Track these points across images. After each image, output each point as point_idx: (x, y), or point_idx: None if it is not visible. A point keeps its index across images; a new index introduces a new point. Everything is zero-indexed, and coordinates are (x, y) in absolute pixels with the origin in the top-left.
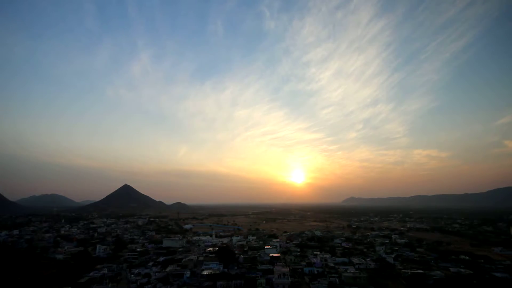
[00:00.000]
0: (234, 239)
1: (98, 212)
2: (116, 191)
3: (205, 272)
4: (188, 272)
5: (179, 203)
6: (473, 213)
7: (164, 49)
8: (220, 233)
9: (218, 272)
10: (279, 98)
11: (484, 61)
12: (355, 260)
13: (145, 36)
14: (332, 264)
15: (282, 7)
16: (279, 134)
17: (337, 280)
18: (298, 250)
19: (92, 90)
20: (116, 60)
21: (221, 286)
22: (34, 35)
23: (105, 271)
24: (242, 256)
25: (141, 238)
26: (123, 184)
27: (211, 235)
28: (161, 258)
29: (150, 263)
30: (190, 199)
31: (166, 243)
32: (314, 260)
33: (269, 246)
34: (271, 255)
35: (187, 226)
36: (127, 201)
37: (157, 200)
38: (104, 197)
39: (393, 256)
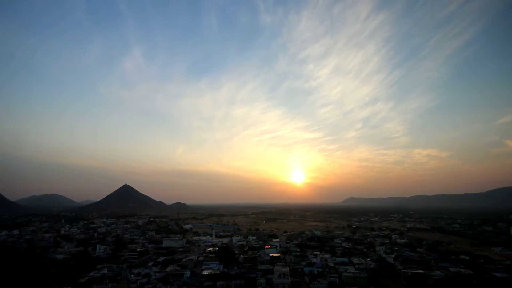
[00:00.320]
0: (234, 239)
1: (98, 212)
2: (116, 191)
3: (205, 272)
4: (188, 272)
5: (179, 203)
6: (473, 213)
7: (157, 44)
8: (220, 233)
9: (218, 272)
10: (277, 96)
11: (484, 59)
12: (355, 260)
13: (136, 30)
14: (332, 264)
15: (278, 0)
16: (278, 133)
17: (337, 280)
18: (298, 250)
19: (87, 88)
20: (109, 56)
21: (221, 286)
22: (21, 30)
23: (105, 271)
24: (242, 256)
25: (141, 238)
26: (123, 184)
27: (211, 235)
28: (161, 258)
29: (150, 263)
30: (190, 199)
31: (166, 243)
32: (314, 260)
33: (269, 246)
34: (271, 255)
35: (187, 226)
36: (127, 201)
37: (157, 200)
38: (104, 197)
39: (393, 256)
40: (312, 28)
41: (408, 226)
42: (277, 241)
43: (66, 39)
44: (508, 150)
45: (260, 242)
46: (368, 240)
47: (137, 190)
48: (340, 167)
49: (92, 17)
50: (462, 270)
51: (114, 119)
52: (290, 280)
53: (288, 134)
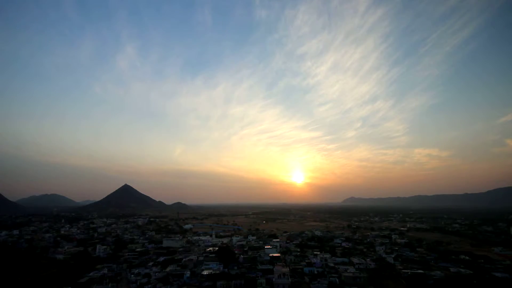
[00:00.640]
0: (234, 239)
1: (98, 212)
2: (116, 191)
3: (205, 272)
4: (188, 272)
5: (179, 203)
6: (473, 213)
7: (150, 41)
8: (220, 233)
9: (218, 272)
10: (274, 95)
11: (485, 56)
12: (355, 260)
13: (128, 27)
14: (332, 264)
15: None
16: (276, 133)
17: (337, 280)
18: (298, 250)
19: (82, 87)
20: (102, 53)
21: (221, 286)
22: (8, 26)
23: (105, 271)
24: (242, 256)
25: (141, 238)
26: (123, 184)
27: (211, 235)
28: (161, 258)
29: (150, 263)
30: (190, 199)
31: (166, 243)
32: (314, 260)
33: (269, 246)
34: (271, 255)
35: (187, 226)
36: (127, 201)
37: (157, 200)
38: (104, 197)
39: (393, 256)
40: (309, 23)
41: (408, 226)
42: (277, 241)
43: (57, 35)
44: (509, 149)
45: (260, 242)
46: (368, 240)
47: (137, 190)
48: (339, 167)
49: (82, 12)
50: (462, 270)
51: (112, 118)
52: (290, 280)
53: (287, 133)
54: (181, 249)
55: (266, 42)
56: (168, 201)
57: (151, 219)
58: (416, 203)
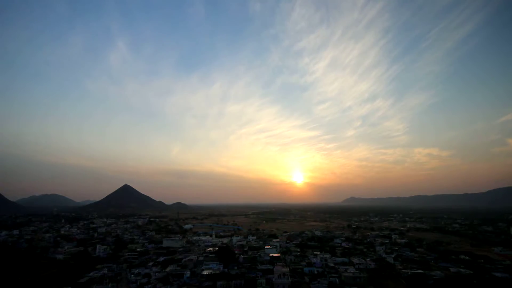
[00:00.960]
0: (234, 239)
1: (98, 212)
2: (116, 191)
3: (205, 272)
4: (188, 272)
5: (179, 203)
6: (473, 213)
7: (142, 35)
8: (220, 233)
9: (218, 272)
10: (272, 93)
11: (486, 54)
12: (355, 260)
13: (119, 20)
14: (332, 264)
15: None
16: (275, 132)
17: (337, 280)
18: (298, 250)
19: (75, 85)
20: (92, 49)
21: (221, 286)
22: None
23: (105, 271)
24: (242, 256)
25: (141, 238)
26: (123, 184)
27: (211, 235)
28: (161, 258)
29: (150, 263)
30: (190, 199)
31: (166, 243)
32: (314, 260)
33: (269, 246)
34: (271, 255)
35: (187, 226)
36: (127, 201)
37: (157, 200)
38: (104, 197)
39: (393, 256)
40: (306, 17)
41: (408, 226)
42: (277, 241)
43: (46, 29)
44: (509, 149)
45: (260, 242)
46: (368, 240)
47: (137, 190)
48: (339, 166)
49: (71, 5)
50: (462, 270)
51: (109, 117)
52: (290, 280)
53: (285, 132)
54: (181, 249)
55: (261, 37)
56: (168, 201)
57: (151, 219)
58: (416, 203)
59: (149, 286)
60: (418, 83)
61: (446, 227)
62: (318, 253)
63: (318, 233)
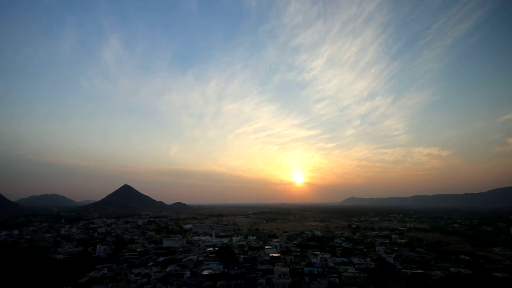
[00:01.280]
0: (234, 239)
1: (98, 212)
2: (116, 191)
3: (205, 272)
4: (188, 272)
5: (179, 203)
6: (473, 213)
7: (134, 31)
8: (220, 233)
9: (218, 272)
10: (269, 90)
11: (486, 51)
12: (355, 260)
13: (111, 14)
14: (332, 264)
15: None
16: (273, 131)
17: (337, 280)
18: (298, 250)
19: (71, 83)
20: (85, 46)
21: (221, 286)
22: None
23: (105, 271)
24: (242, 256)
25: (141, 238)
26: (123, 184)
27: (211, 235)
28: (161, 258)
29: (150, 263)
30: (189, 199)
31: (166, 243)
32: (314, 260)
33: (269, 246)
34: (271, 255)
35: (187, 226)
36: (127, 201)
37: (157, 200)
38: (104, 197)
39: (393, 256)
40: (303, 11)
41: (408, 226)
42: (277, 241)
43: (34, 25)
44: (510, 148)
45: (260, 242)
46: (368, 240)
47: (137, 190)
48: (339, 166)
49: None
50: (462, 270)
51: (108, 117)
52: (290, 280)
53: (284, 131)
54: (181, 249)
55: (257, 33)
56: (168, 201)
57: (151, 219)
58: (416, 203)
59: (149, 286)
60: (417, 81)
61: (446, 227)
62: (318, 253)
63: (318, 233)
